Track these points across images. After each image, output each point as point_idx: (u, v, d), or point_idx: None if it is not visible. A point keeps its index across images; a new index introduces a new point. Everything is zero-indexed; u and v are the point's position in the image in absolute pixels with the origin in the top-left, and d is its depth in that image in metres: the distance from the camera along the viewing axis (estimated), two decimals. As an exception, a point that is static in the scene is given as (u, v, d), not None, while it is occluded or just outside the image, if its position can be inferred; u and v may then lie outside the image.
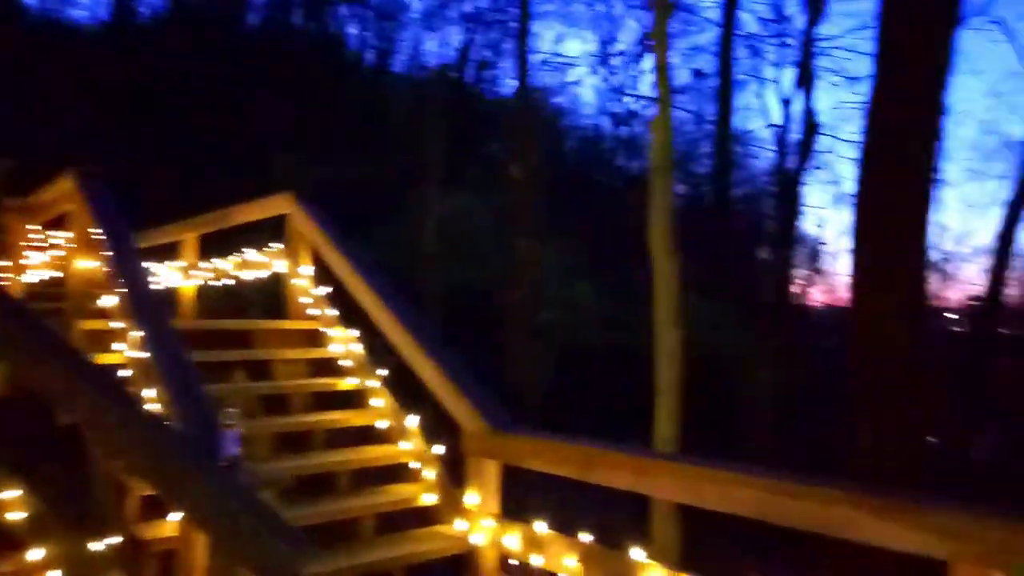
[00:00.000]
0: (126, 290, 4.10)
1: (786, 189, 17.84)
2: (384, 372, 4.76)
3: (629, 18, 20.25)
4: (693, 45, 19.34)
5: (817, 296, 20.54)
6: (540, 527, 3.42)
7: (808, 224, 21.08)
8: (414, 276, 12.88)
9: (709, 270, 15.79)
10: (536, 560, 3.40)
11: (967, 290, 19.47)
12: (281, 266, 5.72)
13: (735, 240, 19.09)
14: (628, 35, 21.14)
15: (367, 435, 4.62)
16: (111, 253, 4.39)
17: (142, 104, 14.27)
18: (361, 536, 4.01)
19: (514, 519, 3.62)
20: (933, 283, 17.70)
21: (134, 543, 3.46)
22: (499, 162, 16.39)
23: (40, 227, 7.36)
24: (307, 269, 5.53)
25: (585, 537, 3.26)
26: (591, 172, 22.55)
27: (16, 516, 3.21)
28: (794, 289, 18.98)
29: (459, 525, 3.85)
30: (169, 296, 6.87)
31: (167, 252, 7.06)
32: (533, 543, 3.43)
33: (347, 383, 4.89)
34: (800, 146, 17.48)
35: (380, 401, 4.67)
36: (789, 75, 22.59)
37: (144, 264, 4.86)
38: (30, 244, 7.31)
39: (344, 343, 5.05)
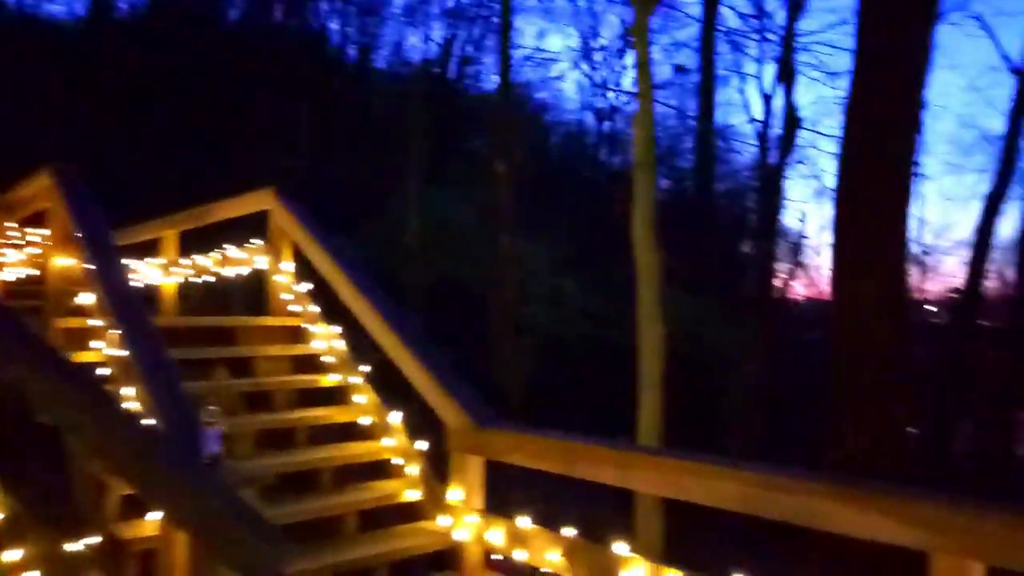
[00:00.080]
0: (104, 287, 4.05)
1: (768, 184, 17.95)
2: (367, 368, 4.74)
3: (611, 14, 20.30)
4: (675, 41, 19.41)
5: (799, 290, 20.70)
6: (524, 522, 3.42)
7: (790, 218, 21.25)
8: (397, 272, 12.85)
9: (692, 265, 15.85)
10: (520, 555, 3.40)
11: (947, 282, 19.68)
12: (262, 262, 5.68)
13: (718, 235, 19.18)
14: (610, 31, 21.18)
15: (350, 432, 4.60)
16: (89, 250, 4.34)
17: (121, 100, 14.12)
18: (344, 533, 3.99)
19: (498, 514, 3.61)
20: (913, 276, 17.86)
21: (114, 543, 3.42)
22: (483, 158, 16.37)
23: (17, 224, 7.27)
24: (289, 265, 5.49)
25: (569, 532, 3.26)
26: (575, 168, 22.57)
27: (-7, 517, 3.17)
28: (777, 283, 19.12)
29: (443, 521, 3.84)
30: (149, 293, 6.81)
31: (147, 249, 6.99)
32: (517, 538, 3.43)
33: (330, 380, 4.87)
34: (781, 141, 17.60)
35: (363, 397, 4.65)
36: (770, 71, 22.77)
37: (124, 261, 4.81)
38: (7, 241, 7.23)
39: (326, 339, 5.02)
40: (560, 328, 14.12)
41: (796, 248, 20.14)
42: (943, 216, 43.55)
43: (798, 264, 20.10)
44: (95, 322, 4.33)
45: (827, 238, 17.18)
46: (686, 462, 2.91)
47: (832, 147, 16.88)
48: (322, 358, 4.99)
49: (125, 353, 3.66)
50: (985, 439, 15.31)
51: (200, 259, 6.41)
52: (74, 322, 4.67)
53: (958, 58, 31.18)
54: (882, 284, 6.08)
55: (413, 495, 4.15)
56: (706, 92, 18.68)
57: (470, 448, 3.77)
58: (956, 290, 18.00)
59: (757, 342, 14.91)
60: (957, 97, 36.29)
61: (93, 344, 4.41)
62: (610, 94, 21.25)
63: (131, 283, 4.46)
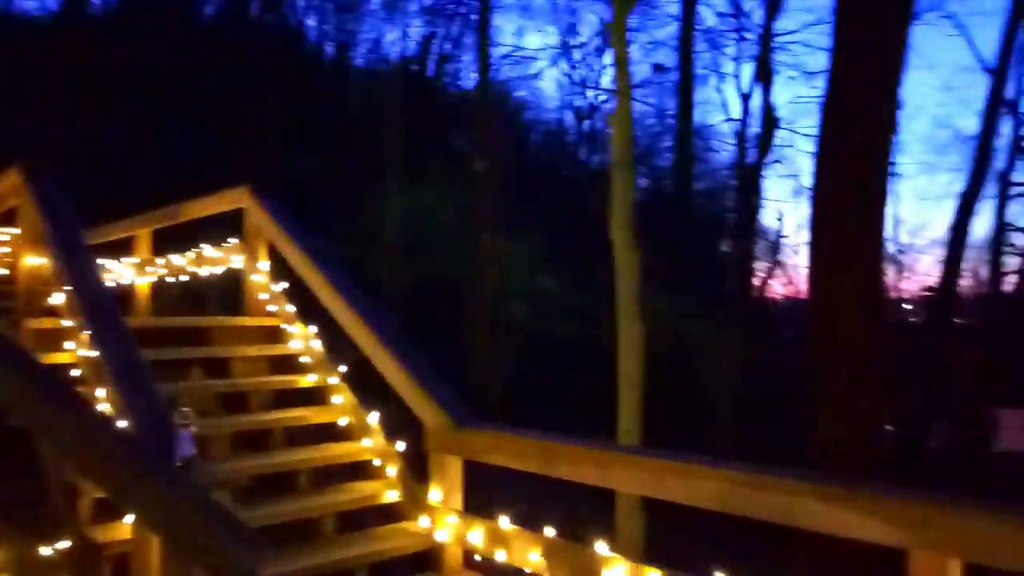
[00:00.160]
0: (75, 287, 3.98)
1: (746, 183, 18.06)
2: (344, 368, 4.70)
3: (589, 12, 20.32)
4: (653, 40, 19.47)
5: (778, 288, 20.85)
6: (504, 522, 3.39)
7: (768, 217, 21.41)
8: (376, 271, 12.78)
9: (671, 263, 15.90)
10: (500, 555, 3.38)
11: (922, 281, 19.91)
12: (238, 261, 5.61)
13: (697, 234, 19.28)
14: (589, 29, 21.21)
15: (328, 432, 4.55)
16: (59, 249, 4.26)
17: (93, 97, 13.92)
18: (323, 535, 3.95)
19: (478, 515, 3.59)
20: (889, 274, 18.06)
21: (87, 546, 3.36)
22: (462, 156, 16.34)
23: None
24: (265, 264, 5.43)
25: (549, 532, 3.24)
26: (555, 166, 22.59)
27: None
28: (755, 282, 19.25)
29: (422, 522, 3.81)
30: (123, 293, 6.71)
31: (121, 248, 6.89)
32: (497, 538, 3.40)
33: (307, 380, 4.82)
34: (759, 140, 17.72)
35: (341, 398, 4.60)
36: (748, 70, 22.91)
37: (96, 260, 4.73)
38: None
39: (304, 339, 4.97)
40: (540, 327, 14.12)
41: (774, 247, 20.30)
42: (918, 215, 44.04)
43: (776, 263, 20.26)
44: (67, 323, 4.26)
45: (805, 237, 17.33)
46: (666, 461, 2.90)
47: (809, 146, 17.02)
48: (299, 358, 4.94)
49: (96, 354, 3.60)
50: (960, 436, 15.49)
51: (175, 258, 6.33)
52: (46, 323, 4.59)
53: (933, 58, 31.59)
54: (859, 282, 6.12)
55: (392, 496, 4.12)
56: (685, 91, 18.76)
57: (449, 448, 3.74)
58: (931, 288, 18.21)
59: (736, 340, 14.99)
60: (932, 97, 36.77)
61: (65, 345, 4.34)
62: (589, 92, 21.30)
63: (103, 283, 4.38)
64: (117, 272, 6.80)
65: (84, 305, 3.88)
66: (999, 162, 17.13)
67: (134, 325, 4.36)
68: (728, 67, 19.20)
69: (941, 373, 15.76)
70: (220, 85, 15.05)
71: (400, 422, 4.27)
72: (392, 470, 4.18)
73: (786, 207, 35.25)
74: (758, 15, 18.46)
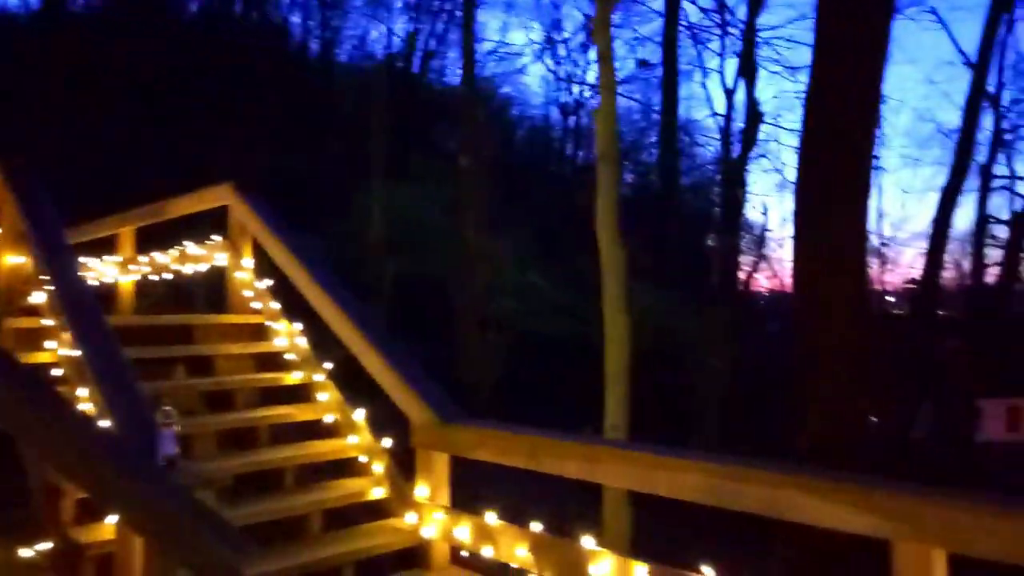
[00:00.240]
0: (56, 285, 3.94)
1: (731, 177, 18.11)
2: (330, 366, 4.68)
3: (573, 7, 20.31)
4: (638, 36, 19.49)
5: (763, 282, 20.96)
6: (491, 518, 3.39)
7: (753, 211, 21.49)
8: (362, 268, 12.74)
9: (657, 258, 15.94)
10: (487, 551, 3.37)
11: (905, 273, 20.06)
12: (222, 259, 5.57)
13: (682, 228, 19.33)
14: (573, 25, 21.20)
15: (314, 430, 4.53)
16: (40, 247, 4.22)
17: (76, 94, 13.79)
18: (309, 533, 3.93)
19: (465, 511, 3.58)
20: (873, 267, 18.18)
21: (70, 547, 3.33)
22: (448, 153, 16.30)
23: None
24: (249, 262, 5.39)
25: (536, 527, 3.24)
26: (541, 162, 22.60)
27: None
28: (741, 276, 19.33)
29: (409, 518, 3.80)
30: (106, 292, 6.65)
31: (104, 246, 6.83)
32: (484, 534, 3.40)
33: (292, 378, 4.79)
34: (744, 135, 17.78)
35: (326, 395, 4.58)
36: (732, 65, 22.99)
37: (78, 258, 4.69)
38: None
39: (289, 337, 4.94)
40: (528, 323, 14.12)
41: (759, 241, 20.39)
42: (901, 208, 44.39)
43: (761, 256, 20.35)
44: (48, 322, 4.22)
45: (789, 230, 17.43)
46: (652, 455, 2.90)
47: (793, 141, 17.12)
48: (284, 356, 4.91)
49: (78, 353, 3.56)
50: (944, 427, 15.62)
51: (159, 256, 6.28)
52: (26, 322, 4.54)
53: (915, 52, 31.89)
54: (843, 275, 6.15)
55: (378, 493, 4.10)
56: (669, 87, 18.79)
57: (435, 445, 3.73)
58: (914, 281, 18.35)
59: (722, 335, 15.04)
60: (914, 91, 37.16)
61: (46, 344, 4.30)
62: (575, 88, 21.31)
63: (84, 281, 4.34)
64: (100, 270, 6.74)
65: (65, 304, 3.84)
66: (981, 155, 17.29)
67: (117, 323, 4.32)
68: (712, 63, 19.31)
69: (924, 365, 15.88)
70: (203, 83, 14.94)
71: (387, 419, 4.26)
72: (379, 467, 4.16)
73: (771, 201, 35.46)
74: (742, 11, 18.55)
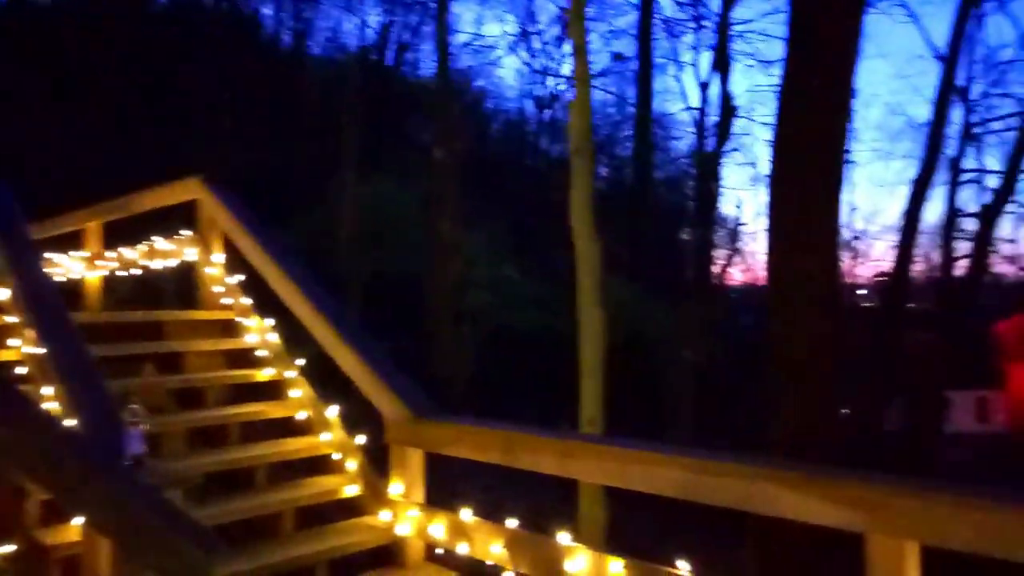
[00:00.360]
0: (18, 281, 3.85)
1: (705, 170, 18.20)
2: (302, 362, 4.62)
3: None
4: (613, 29, 19.50)
5: (738, 275, 21.12)
6: (466, 515, 3.36)
7: (727, 205, 21.63)
8: (334, 262, 12.63)
9: (632, 252, 15.99)
10: (462, 548, 3.35)
11: (876, 266, 20.31)
12: (192, 254, 5.49)
13: (657, 221, 19.40)
14: (548, 17, 21.16)
15: (286, 427, 4.48)
16: (2, 243, 4.11)
17: (40, 84, 13.51)
18: (282, 532, 3.89)
19: (440, 507, 3.56)
20: (845, 260, 18.39)
21: (34, 550, 3.26)
22: (422, 146, 16.21)
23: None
24: (219, 257, 5.32)
25: (511, 523, 3.22)
26: (515, 156, 22.56)
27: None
28: (715, 269, 19.45)
29: (383, 516, 3.76)
30: (73, 288, 6.53)
31: (70, 242, 6.69)
32: (459, 531, 3.37)
33: (264, 374, 4.74)
34: (718, 128, 17.86)
35: (299, 392, 4.53)
36: (706, 59, 23.08)
37: (41, 254, 4.59)
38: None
39: (260, 333, 4.88)
40: (503, 317, 14.09)
41: (733, 234, 20.54)
42: (873, 202, 44.97)
43: (735, 250, 20.51)
44: (12, 319, 4.12)
45: (763, 224, 17.54)
46: (627, 450, 2.89)
47: (767, 134, 17.21)
48: (256, 352, 4.85)
49: (42, 351, 3.48)
50: (914, 418, 15.83)
51: (126, 252, 6.17)
52: (-12, 319, 4.43)
53: (887, 47, 32.10)
54: (816, 268, 6.19)
55: (352, 490, 4.07)
56: (644, 80, 18.81)
57: (409, 441, 3.70)
58: (885, 274, 18.56)
59: (696, 327, 15.12)
60: (886, 85, 37.51)
61: (10, 342, 4.20)
62: (550, 81, 21.29)
63: (48, 277, 4.24)
64: (66, 266, 6.61)
65: (29, 300, 3.76)
66: (950, 149, 17.51)
67: (83, 320, 4.25)
68: (687, 56, 19.31)
69: (895, 357, 16.07)
70: (173, 75, 14.71)
71: (360, 415, 4.22)
72: (352, 464, 4.12)
73: (745, 195, 35.79)
74: (716, 4, 18.60)
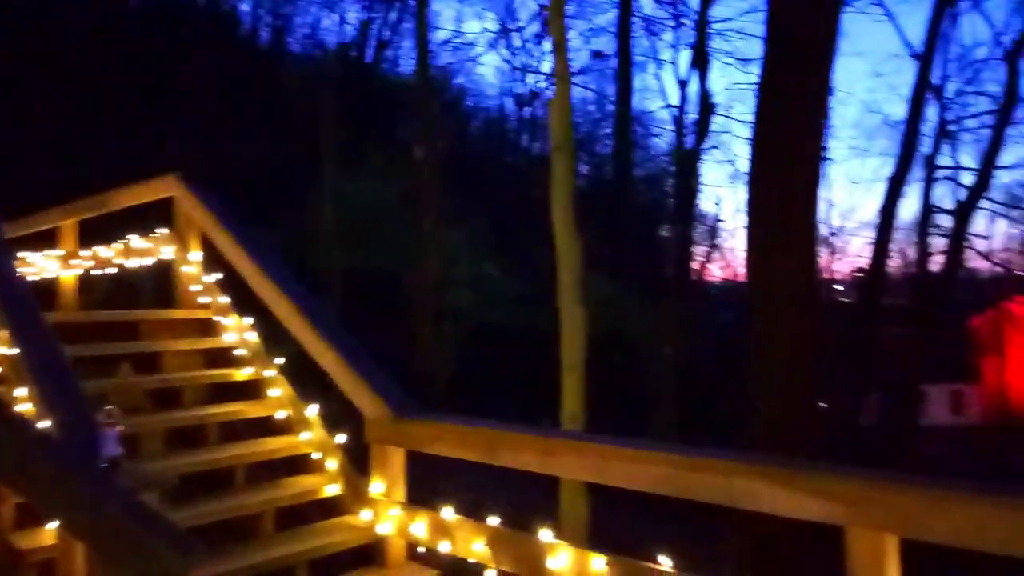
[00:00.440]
0: (-9, 281, 3.79)
1: (684, 168, 18.28)
2: (281, 361, 4.58)
3: (528, -3, 20.27)
4: (593, 27, 19.54)
5: (717, 271, 21.24)
6: (447, 513, 3.35)
7: (706, 202, 21.73)
8: (314, 259, 12.55)
9: (612, 249, 16.02)
10: (444, 547, 3.34)
11: (853, 262, 20.50)
12: (169, 252, 5.42)
13: (637, 219, 19.46)
14: (528, 14, 21.15)
15: (265, 427, 4.44)
16: (-26, 242, 4.05)
17: (14, 80, 13.29)
18: (262, 532, 3.84)
19: (421, 506, 3.54)
20: (822, 256, 18.53)
21: (9, 553, 3.21)
22: (402, 144, 16.13)
23: None
24: (197, 255, 5.26)
25: (493, 521, 3.21)
26: (496, 153, 22.52)
27: None
28: (694, 266, 19.55)
29: (364, 515, 3.74)
30: (47, 287, 6.43)
31: (44, 240, 6.59)
32: (440, 530, 3.36)
33: (242, 373, 4.69)
34: (697, 126, 17.95)
35: (278, 391, 4.49)
36: (685, 57, 23.15)
37: (15, 253, 4.51)
38: None
39: (238, 331, 4.83)
40: (483, 314, 14.08)
41: (712, 231, 20.66)
42: (849, 198, 45.44)
43: (715, 246, 20.63)
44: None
45: (742, 220, 17.68)
46: (608, 446, 2.89)
47: (745, 132, 17.33)
48: (234, 351, 4.80)
49: (15, 352, 3.43)
50: (891, 412, 16.01)
51: (102, 250, 6.09)
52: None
53: (863, 44, 32.48)
54: (794, 264, 6.24)
55: (333, 490, 4.03)
56: (624, 77, 18.87)
57: (390, 439, 3.68)
58: (862, 269, 18.75)
59: (676, 324, 15.19)
60: (862, 83, 37.96)
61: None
62: (530, 78, 21.29)
63: (21, 276, 4.17)
64: (40, 265, 6.51)
65: (1, 300, 3.69)
66: (926, 146, 17.71)
67: (58, 320, 4.19)
68: (666, 54, 19.49)
69: (872, 351, 16.23)
70: (151, 71, 14.54)
71: (340, 414, 4.19)
72: (332, 463, 4.09)
73: (723, 192, 36.03)
74: (695, 2, 18.67)
